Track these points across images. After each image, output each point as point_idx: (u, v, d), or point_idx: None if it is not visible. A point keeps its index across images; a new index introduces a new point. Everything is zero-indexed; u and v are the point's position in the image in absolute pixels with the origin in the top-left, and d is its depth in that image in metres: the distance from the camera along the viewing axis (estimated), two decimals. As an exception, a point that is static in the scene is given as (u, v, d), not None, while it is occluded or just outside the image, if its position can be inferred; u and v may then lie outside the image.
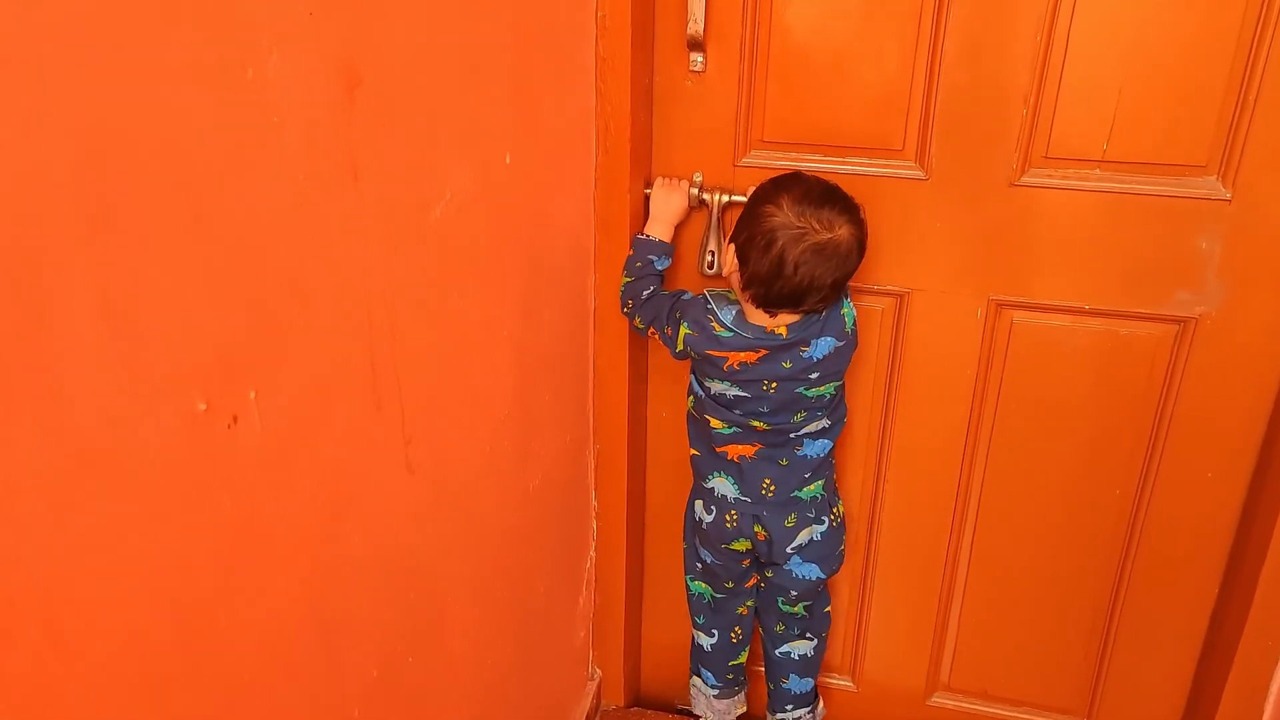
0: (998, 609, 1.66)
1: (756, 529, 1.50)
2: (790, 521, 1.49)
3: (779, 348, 1.35)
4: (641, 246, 1.45)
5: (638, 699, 1.91)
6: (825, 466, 1.50)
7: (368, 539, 0.93)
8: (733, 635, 1.66)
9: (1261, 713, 1.49)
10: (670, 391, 1.64)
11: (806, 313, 1.34)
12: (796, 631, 1.64)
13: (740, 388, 1.39)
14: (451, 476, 1.09)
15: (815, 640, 1.65)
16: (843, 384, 1.45)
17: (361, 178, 0.83)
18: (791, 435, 1.43)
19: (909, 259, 1.47)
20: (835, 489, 1.56)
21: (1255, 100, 1.28)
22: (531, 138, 1.19)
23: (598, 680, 1.80)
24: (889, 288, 1.50)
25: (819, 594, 1.61)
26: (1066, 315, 1.45)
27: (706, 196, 1.47)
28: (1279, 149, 1.29)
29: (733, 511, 1.49)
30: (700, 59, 1.42)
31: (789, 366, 1.36)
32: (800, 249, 1.26)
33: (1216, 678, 1.53)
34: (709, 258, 1.49)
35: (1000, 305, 1.47)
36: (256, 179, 0.70)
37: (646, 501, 1.76)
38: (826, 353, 1.36)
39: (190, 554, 0.69)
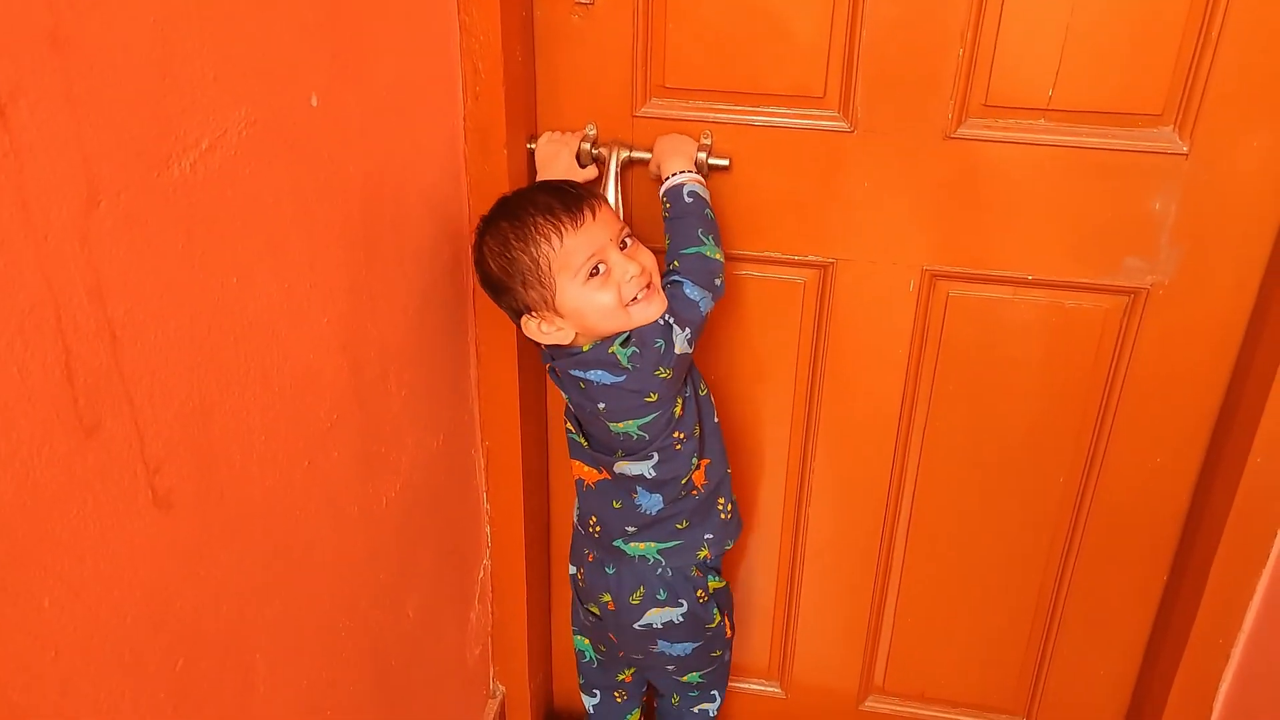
0: (935, 605, 1.51)
1: (605, 598, 1.29)
2: (636, 597, 1.26)
3: (579, 361, 1.13)
4: None
5: (551, 713, 1.74)
6: (663, 528, 1.23)
7: (92, 603, 0.72)
8: (617, 696, 1.47)
9: (1211, 712, 1.37)
10: (567, 376, 1.45)
11: None
12: (695, 695, 1.43)
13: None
14: (243, 503, 0.88)
15: (720, 690, 1.44)
16: (669, 437, 1.15)
17: (33, 108, 0.61)
18: (616, 471, 1.20)
19: (833, 224, 1.29)
20: (705, 567, 1.28)
21: (1218, 39, 1.12)
22: (355, 76, 0.97)
23: (500, 698, 1.62)
24: (811, 257, 1.32)
25: (710, 657, 1.35)
26: (1007, 287, 1.29)
27: (601, 152, 1.27)
28: (1244, 96, 1.13)
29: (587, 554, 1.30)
30: (588, -10, 1.21)
31: (583, 388, 1.14)
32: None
33: (1163, 675, 1.40)
34: (605, 224, 1.29)
35: (935, 276, 1.30)
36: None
37: (551, 501, 1.57)
38: (605, 384, 1.12)
39: None
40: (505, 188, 1.24)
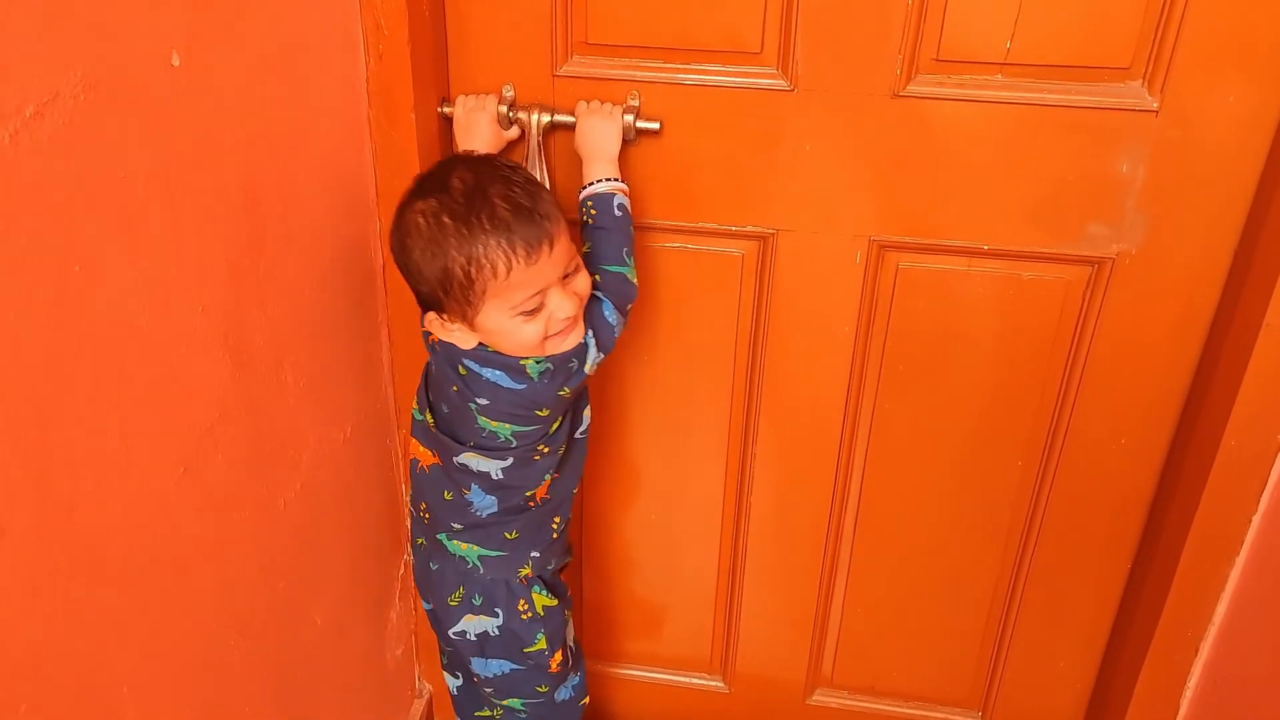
0: (886, 594, 1.44)
1: (427, 595, 1.19)
2: (454, 599, 1.15)
3: (478, 355, 1.01)
4: None
5: (482, 707, 1.64)
6: (489, 533, 1.12)
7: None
8: None
9: (1178, 709, 1.31)
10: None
11: None
12: None
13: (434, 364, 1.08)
14: (97, 523, 0.77)
15: None
16: (533, 448, 1.06)
17: None
18: (456, 462, 1.08)
19: (773, 192, 1.19)
20: (530, 580, 1.15)
21: (1189, -15, 1.02)
22: (228, 32, 0.86)
23: (427, 697, 1.53)
24: (750, 228, 1.21)
25: (534, 689, 1.21)
26: (961, 257, 1.20)
27: (521, 116, 1.15)
28: (1217, 47, 1.04)
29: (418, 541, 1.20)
30: (500, -66, 1.09)
31: (463, 376, 1.03)
32: None
33: (1128, 669, 1.34)
34: (526, 195, 1.18)
35: (883, 247, 1.20)
36: None
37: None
38: (499, 385, 1.01)
39: None
40: (415, 156, 1.13)
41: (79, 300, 0.73)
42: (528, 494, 1.10)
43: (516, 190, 0.94)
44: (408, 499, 1.34)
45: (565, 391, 1.03)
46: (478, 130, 1.14)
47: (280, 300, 0.99)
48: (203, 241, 0.86)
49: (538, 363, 1.00)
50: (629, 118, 1.13)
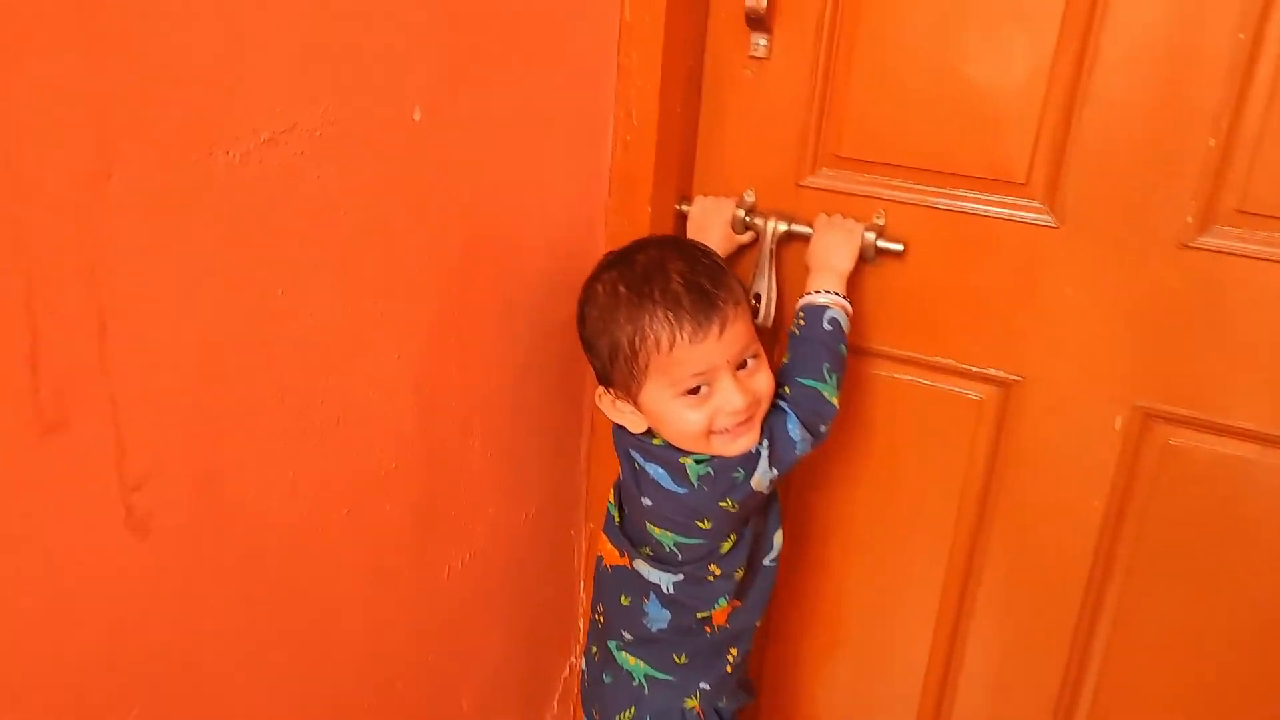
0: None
1: (594, 710, 1.10)
2: (624, 718, 1.06)
3: (643, 449, 0.97)
4: None
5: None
6: (658, 652, 1.04)
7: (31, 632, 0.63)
8: None
9: None
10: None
11: None
12: None
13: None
14: (251, 541, 0.78)
15: None
16: (704, 567, 0.98)
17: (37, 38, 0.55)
18: (633, 567, 1.02)
19: (1024, 335, 1.06)
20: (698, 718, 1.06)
21: None
22: (473, 94, 0.88)
23: (575, 816, 1.44)
24: (992, 371, 1.09)
25: None
26: (1250, 443, 1.01)
27: (758, 222, 1.12)
28: None
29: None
30: (763, 41, 1.08)
31: (636, 471, 0.98)
32: None
33: None
34: (752, 302, 1.13)
35: (1150, 416, 1.04)
36: None
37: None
38: (660, 485, 0.96)
39: None
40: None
41: (276, 322, 0.75)
42: (700, 616, 1.02)
43: (697, 268, 0.91)
44: (588, 600, 1.29)
45: (729, 504, 0.95)
46: (710, 231, 1.12)
47: (480, 363, 0.99)
48: (412, 289, 0.88)
49: (698, 463, 0.93)
50: (870, 235, 1.06)
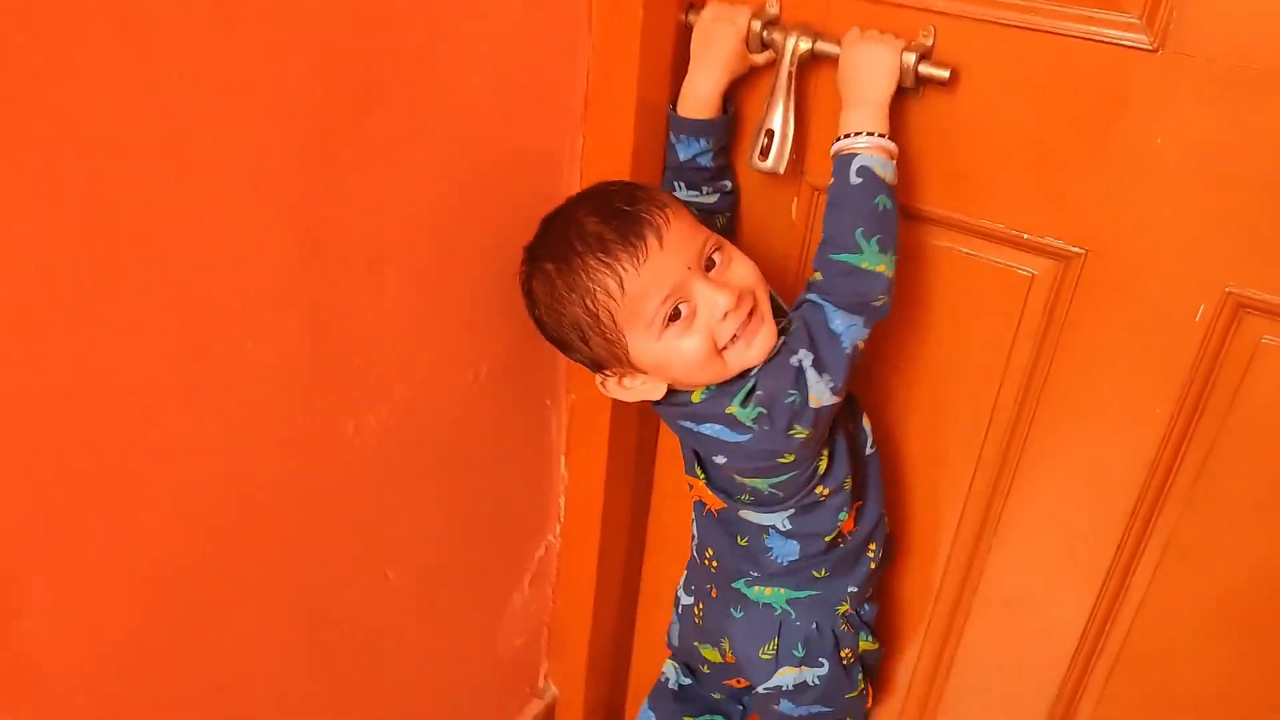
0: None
1: (725, 644, 1.03)
2: (767, 651, 0.98)
3: (688, 413, 0.88)
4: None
5: (613, 726, 1.43)
6: (796, 577, 0.96)
7: None
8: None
9: None
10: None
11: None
12: None
13: None
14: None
15: None
16: (810, 493, 0.90)
17: None
18: (740, 515, 0.95)
19: (1095, 197, 0.85)
20: (851, 620, 1.00)
21: None
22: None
23: (549, 700, 1.35)
24: (1050, 240, 0.88)
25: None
26: (1372, 349, 0.79)
27: (775, 38, 0.90)
28: None
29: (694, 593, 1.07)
30: None
31: (696, 436, 0.89)
32: None
33: None
34: (763, 140, 0.93)
35: (1242, 306, 0.82)
36: None
37: (655, 475, 1.24)
38: (724, 440, 0.86)
39: None
40: (635, 72, 0.92)
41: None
42: (829, 538, 0.93)
43: (606, 199, 0.82)
44: (569, 477, 1.16)
45: (799, 431, 0.83)
46: (717, 45, 0.91)
47: (400, 195, 0.82)
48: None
49: (744, 405, 0.82)
50: (910, 57, 0.84)
